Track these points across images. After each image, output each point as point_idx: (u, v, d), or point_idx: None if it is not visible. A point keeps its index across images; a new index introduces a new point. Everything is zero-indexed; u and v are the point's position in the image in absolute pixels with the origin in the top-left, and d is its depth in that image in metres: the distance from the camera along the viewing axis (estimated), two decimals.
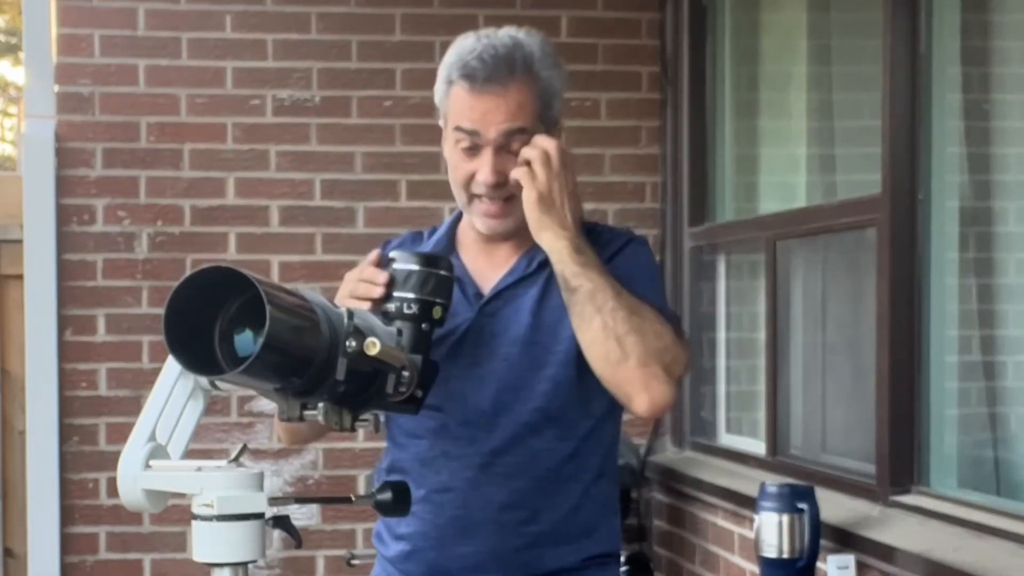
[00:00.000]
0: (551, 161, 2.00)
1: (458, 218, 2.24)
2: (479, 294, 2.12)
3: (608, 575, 2.19)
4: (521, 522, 2.09)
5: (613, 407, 2.12)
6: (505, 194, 2.07)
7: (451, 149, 2.11)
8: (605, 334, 1.97)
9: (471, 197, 2.10)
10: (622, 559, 4.19)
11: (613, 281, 1.99)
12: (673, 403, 2.05)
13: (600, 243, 2.13)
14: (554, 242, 2.00)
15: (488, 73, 2.05)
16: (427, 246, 2.23)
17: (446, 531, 2.11)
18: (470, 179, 2.08)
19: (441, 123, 2.17)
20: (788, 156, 4.24)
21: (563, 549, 2.11)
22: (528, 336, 2.08)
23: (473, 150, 2.07)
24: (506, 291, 2.12)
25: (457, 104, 2.08)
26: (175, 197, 4.49)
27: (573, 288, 1.98)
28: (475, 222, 2.13)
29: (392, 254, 1.97)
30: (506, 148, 2.05)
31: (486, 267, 2.15)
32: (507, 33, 2.11)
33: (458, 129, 2.08)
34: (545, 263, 2.10)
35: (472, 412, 2.10)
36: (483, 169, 2.06)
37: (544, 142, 2.02)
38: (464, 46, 2.10)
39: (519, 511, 2.09)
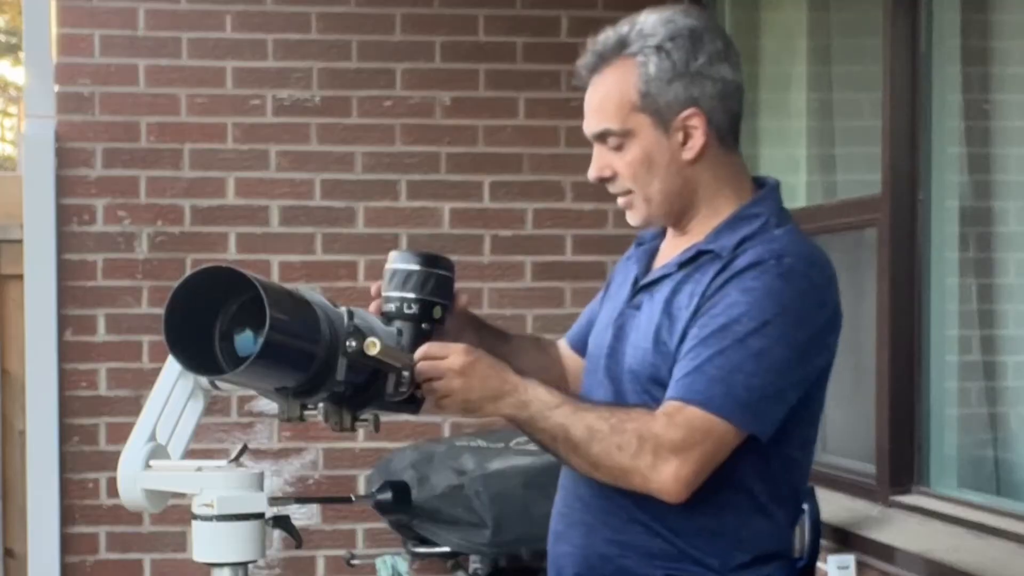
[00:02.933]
0: (430, 382, 1.87)
1: None
2: (636, 284, 2.07)
3: None
4: (610, 530, 2.00)
5: None
6: (620, 188, 2.02)
7: None
8: (584, 470, 1.91)
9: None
10: None
11: (563, 413, 1.88)
12: (696, 469, 1.85)
13: (748, 249, 1.94)
14: (492, 412, 1.91)
15: (586, 63, 2.02)
16: (649, 234, 2.17)
17: (558, 528, 2.09)
18: None
19: None
20: (788, 156, 4.24)
21: (652, 566, 1.97)
22: (645, 334, 1.98)
23: None
24: (651, 285, 2.03)
25: None
26: (175, 197, 4.48)
27: (535, 441, 1.94)
28: None
29: (392, 254, 1.96)
30: (604, 143, 2.00)
31: (662, 258, 2.09)
32: (631, 16, 2.01)
33: None
34: (685, 263, 1.99)
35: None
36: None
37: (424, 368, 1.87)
38: None
39: (609, 518, 1.99)
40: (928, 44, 3.14)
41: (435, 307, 1.89)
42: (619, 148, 1.97)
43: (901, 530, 3.01)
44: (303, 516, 4.37)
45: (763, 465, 1.95)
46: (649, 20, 1.96)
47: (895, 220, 3.16)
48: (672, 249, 2.06)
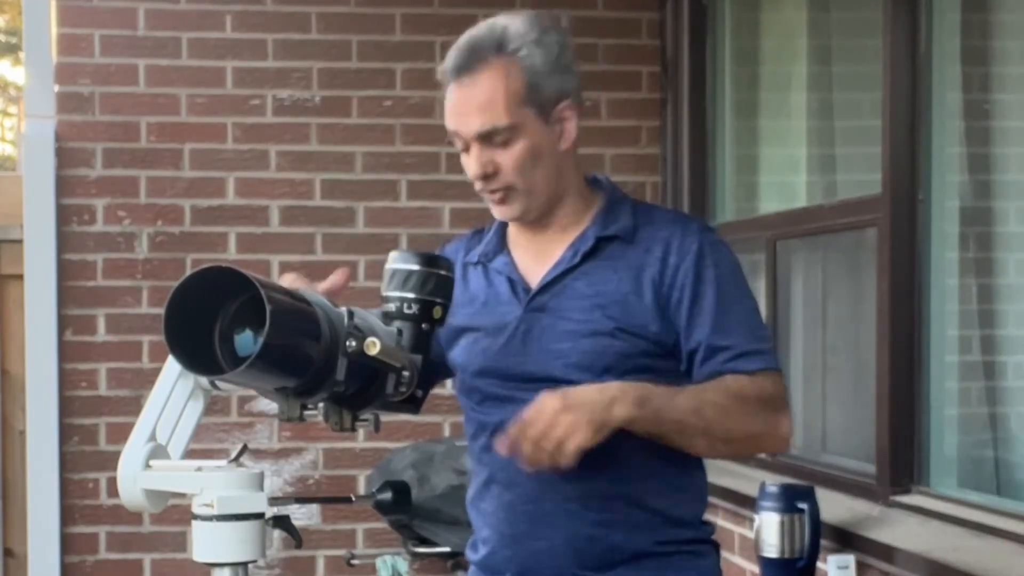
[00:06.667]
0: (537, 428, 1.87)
1: None
2: (528, 290, 2.09)
3: (701, 564, 2.13)
4: (593, 511, 2.05)
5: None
6: (501, 184, 2.04)
7: None
8: (711, 448, 2.06)
9: (481, 191, 2.08)
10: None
11: (686, 398, 1.96)
12: (791, 419, 2.09)
13: (660, 234, 2.07)
14: (620, 417, 1.90)
15: (458, 62, 2.03)
16: (481, 245, 2.19)
17: (519, 527, 2.09)
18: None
19: None
20: (788, 156, 4.24)
21: (640, 536, 2.06)
22: (578, 328, 2.03)
23: (466, 148, 2.06)
24: (552, 284, 2.07)
25: (446, 103, 2.07)
26: (175, 197, 4.49)
27: (660, 435, 1.98)
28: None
29: (392, 254, 1.96)
30: (489, 141, 2.02)
31: (535, 262, 2.12)
32: (488, 20, 2.06)
33: (450, 132, 2.08)
34: (589, 253, 2.07)
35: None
36: (470, 166, 2.05)
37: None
38: None
39: (590, 501, 2.05)
40: (928, 44, 3.13)
41: (435, 307, 1.89)
42: (505, 144, 2.02)
43: (901, 530, 3.01)
44: (303, 516, 4.37)
45: None
46: (516, 20, 2.05)
47: (895, 220, 3.16)
48: (545, 246, 2.11)
